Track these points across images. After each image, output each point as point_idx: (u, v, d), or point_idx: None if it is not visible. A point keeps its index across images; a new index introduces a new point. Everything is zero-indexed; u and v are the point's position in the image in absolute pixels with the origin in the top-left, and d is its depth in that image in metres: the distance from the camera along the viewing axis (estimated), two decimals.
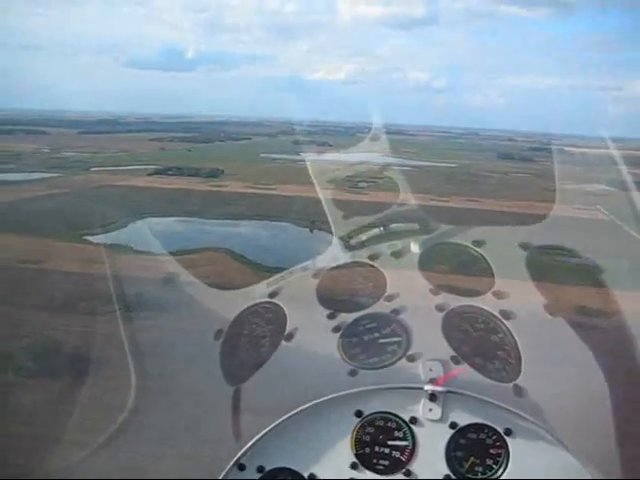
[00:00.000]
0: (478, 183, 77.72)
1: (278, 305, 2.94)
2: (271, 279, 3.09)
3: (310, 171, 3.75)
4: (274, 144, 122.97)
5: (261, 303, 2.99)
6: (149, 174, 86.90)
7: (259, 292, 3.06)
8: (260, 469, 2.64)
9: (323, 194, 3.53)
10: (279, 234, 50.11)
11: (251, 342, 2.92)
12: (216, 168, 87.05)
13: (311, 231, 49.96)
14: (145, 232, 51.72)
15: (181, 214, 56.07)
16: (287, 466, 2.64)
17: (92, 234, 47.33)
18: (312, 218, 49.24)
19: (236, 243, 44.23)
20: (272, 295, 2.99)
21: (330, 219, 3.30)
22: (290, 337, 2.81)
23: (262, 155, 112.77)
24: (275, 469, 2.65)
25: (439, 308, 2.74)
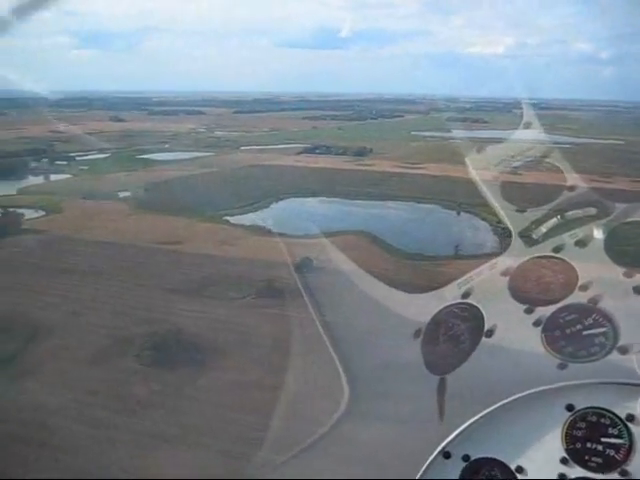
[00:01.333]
0: None
1: (472, 304, 2.93)
2: (461, 280, 3.06)
3: (462, 149, 3.59)
4: (426, 121, 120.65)
5: (456, 304, 2.99)
6: (297, 153, 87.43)
7: (450, 294, 3.06)
8: (465, 458, 2.60)
9: (476, 174, 3.38)
10: (424, 217, 47.41)
11: (451, 340, 2.91)
12: (364, 147, 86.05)
13: (458, 214, 47.22)
14: (285, 213, 51.27)
15: (325, 194, 54.85)
16: (493, 456, 2.58)
17: (233, 214, 47.33)
18: (461, 199, 46.42)
19: (379, 226, 42.23)
20: (465, 296, 2.97)
21: (501, 212, 3.10)
22: (490, 333, 2.80)
23: (413, 133, 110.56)
24: (481, 459, 2.60)
25: (637, 290, 2.60)
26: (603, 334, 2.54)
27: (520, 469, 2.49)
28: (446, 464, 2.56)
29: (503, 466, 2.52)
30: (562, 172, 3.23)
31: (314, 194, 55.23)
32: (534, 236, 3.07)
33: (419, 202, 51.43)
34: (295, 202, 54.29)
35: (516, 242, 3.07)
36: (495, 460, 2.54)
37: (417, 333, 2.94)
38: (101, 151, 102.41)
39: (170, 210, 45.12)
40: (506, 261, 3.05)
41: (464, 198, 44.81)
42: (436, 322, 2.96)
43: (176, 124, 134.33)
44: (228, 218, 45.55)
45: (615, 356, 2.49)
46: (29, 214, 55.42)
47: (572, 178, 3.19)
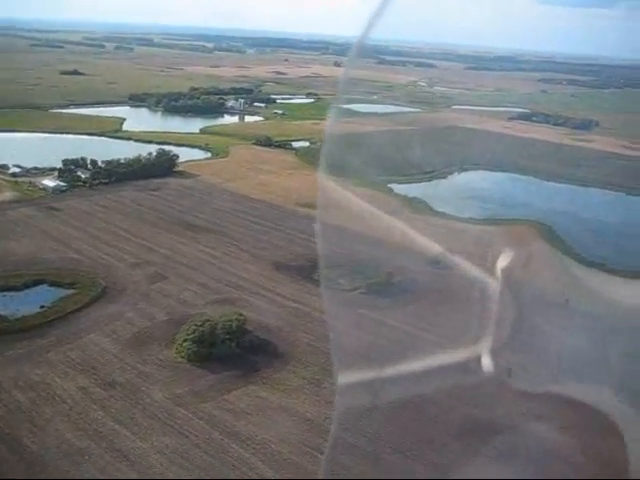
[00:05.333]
0: None
1: None
2: None
3: None
4: None
5: None
6: (509, 118, 79.51)
7: None
8: None
9: None
10: (631, 214, 38.98)
11: None
12: (589, 119, 76.09)
13: None
14: (460, 189, 45.18)
15: (518, 170, 47.94)
16: None
17: (402, 182, 42.46)
18: None
19: (566, 216, 35.21)
20: None
21: None
22: None
23: None
24: None
25: None
26: None
27: None
28: None
29: None
30: None
31: (506, 169, 48.56)
32: None
33: (630, 194, 42.75)
34: (479, 176, 48.00)
35: None
36: None
37: None
38: (308, 96, 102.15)
39: (335, 168, 41.17)
40: None
41: None
42: None
43: (398, 75, 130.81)
44: (394, 185, 40.84)
45: None
46: (194, 154, 55.08)
47: None
